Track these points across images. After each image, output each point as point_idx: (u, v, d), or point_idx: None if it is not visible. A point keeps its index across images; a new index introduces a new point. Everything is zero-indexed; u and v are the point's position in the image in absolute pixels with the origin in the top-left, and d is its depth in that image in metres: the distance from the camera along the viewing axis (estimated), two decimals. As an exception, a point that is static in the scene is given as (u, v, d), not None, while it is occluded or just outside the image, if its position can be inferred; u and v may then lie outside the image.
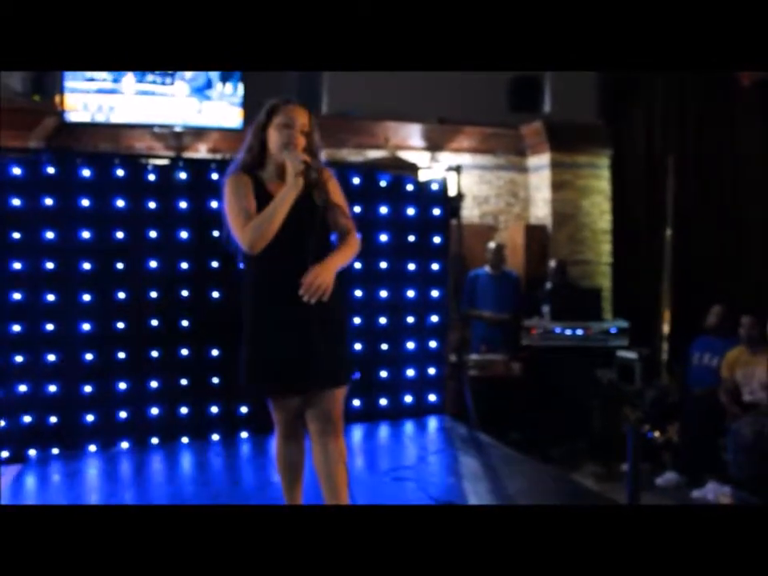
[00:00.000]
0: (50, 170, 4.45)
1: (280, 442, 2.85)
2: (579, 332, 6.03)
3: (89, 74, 6.22)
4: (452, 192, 5.39)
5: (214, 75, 6.57)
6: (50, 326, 4.44)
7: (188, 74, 6.51)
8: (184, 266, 4.70)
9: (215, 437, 4.76)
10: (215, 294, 4.75)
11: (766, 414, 4.69)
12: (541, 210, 7.67)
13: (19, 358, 4.38)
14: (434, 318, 5.25)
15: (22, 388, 4.39)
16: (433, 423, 5.14)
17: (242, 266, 2.82)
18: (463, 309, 6.24)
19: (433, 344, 5.26)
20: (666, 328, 6.70)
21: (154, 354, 4.64)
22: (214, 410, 4.78)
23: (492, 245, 6.64)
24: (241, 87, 6.64)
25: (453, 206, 5.39)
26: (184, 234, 4.69)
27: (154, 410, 4.65)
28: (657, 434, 5.45)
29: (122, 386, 4.58)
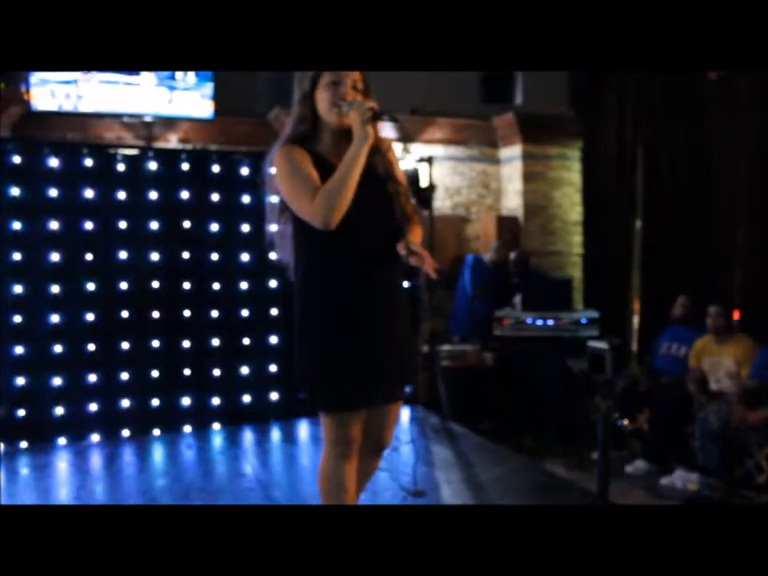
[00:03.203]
0: (16, 159, 4.39)
1: (334, 463, 2.26)
2: (550, 322, 6.07)
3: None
4: (424, 183, 5.40)
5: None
6: (17, 318, 4.38)
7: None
8: (154, 257, 4.66)
9: (187, 429, 4.74)
10: (186, 285, 4.72)
11: (731, 402, 4.77)
12: (512, 201, 7.71)
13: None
14: (407, 309, 5.26)
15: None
16: (405, 413, 5.16)
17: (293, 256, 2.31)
18: (474, 290, 6.28)
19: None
20: (635, 318, 6.78)
21: (125, 345, 4.60)
22: (186, 401, 4.75)
23: (494, 242, 6.76)
24: (196, 77, 6.54)
25: (425, 196, 5.40)
26: (154, 225, 4.65)
27: (125, 402, 4.61)
28: (626, 422, 5.52)
29: (92, 378, 4.54)
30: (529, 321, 6.07)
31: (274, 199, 2.31)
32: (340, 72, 2.23)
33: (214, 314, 4.80)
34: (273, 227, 2.34)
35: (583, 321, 6.11)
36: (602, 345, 5.93)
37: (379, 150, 2.25)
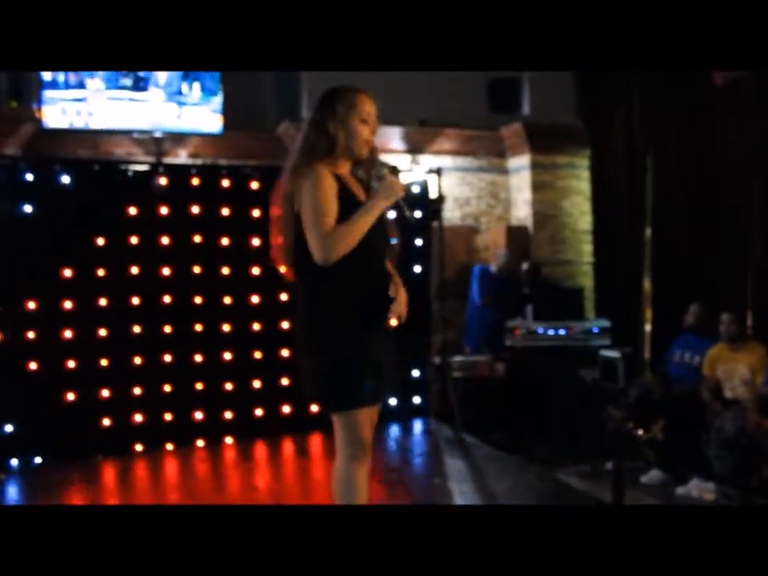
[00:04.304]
0: (29, 177, 4.42)
1: (348, 465, 2.39)
2: (562, 332, 6.05)
3: (63, 78, 6.17)
4: (433, 194, 5.41)
5: (175, 76, 6.49)
6: (31, 334, 4.40)
7: (161, 81, 6.48)
8: (166, 271, 4.68)
9: (200, 443, 4.74)
10: (197, 300, 4.74)
11: (746, 409, 4.73)
12: (522, 211, 7.70)
13: None
14: (417, 321, 5.25)
15: (4, 397, 4.34)
16: (418, 425, 5.15)
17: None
18: (481, 299, 6.30)
19: (416, 346, 5.27)
20: (647, 326, 6.74)
21: (137, 360, 4.61)
22: (198, 415, 4.75)
23: (501, 251, 6.75)
24: (202, 91, 6.58)
25: (434, 208, 5.40)
26: (165, 240, 4.68)
27: (138, 418, 4.62)
28: (641, 432, 5.48)
29: (105, 393, 4.55)
30: (540, 331, 6.05)
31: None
32: (370, 111, 2.42)
33: (226, 328, 4.80)
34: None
35: (595, 330, 6.09)
36: (614, 354, 5.90)
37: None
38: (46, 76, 6.14)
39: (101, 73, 6.30)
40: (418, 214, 5.27)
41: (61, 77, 6.16)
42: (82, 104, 6.26)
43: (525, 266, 6.72)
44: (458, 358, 5.98)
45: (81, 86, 6.24)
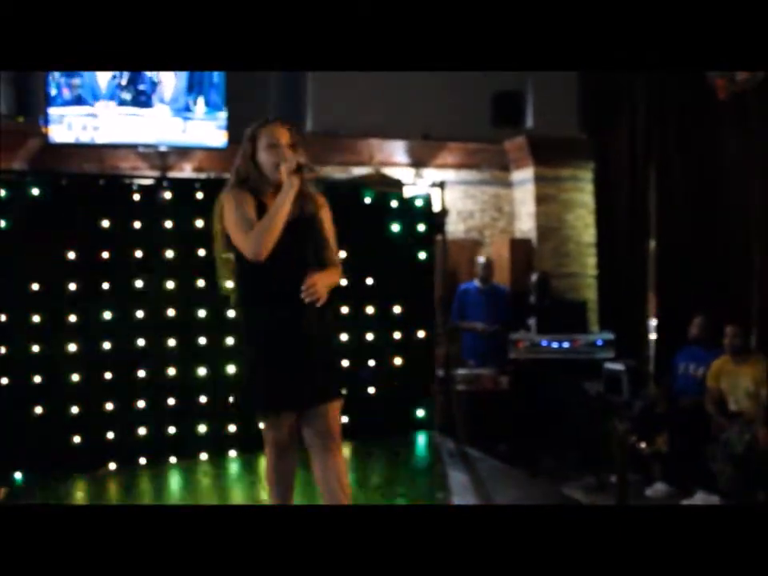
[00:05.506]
0: (35, 192, 4.45)
1: (272, 458, 2.78)
2: (566, 344, 6.05)
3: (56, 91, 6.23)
4: (436, 208, 5.43)
5: (181, 91, 6.54)
6: (35, 348, 4.42)
7: (167, 96, 6.53)
8: (170, 285, 4.70)
9: (203, 456, 4.74)
10: (201, 313, 4.75)
11: (753, 423, 4.72)
12: (525, 224, 7.72)
13: (4, 380, 4.35)
14: (421, 334, 5.26)
15: (7, 409, 4.36)
16: (421, 438, 5.14)
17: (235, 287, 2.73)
18: (453, 321, 6.30)
19: (420, 359, 5.27)
20: (651, 339, 6.73)
21: (141, 373, 4.63)
22: (202, 429, 4.76)
23: (481, 259, 6.69)
24: (207, 106, 6.63)
25: (437, 221, 5.42)
26: (169, 254, 4.70)
27: (142, 431, 4.63)
28: (645, 444, 5.46)
29: (109, 406, 4.56)
30: (544, 343, 6.04)
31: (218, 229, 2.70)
32: (275, 135, 2.61)
33: (229, 341, 4.81)
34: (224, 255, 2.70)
35: (599, 343, 6.08)
36: (618, 366, 5.89)
37: (310, 201, 2.64)
38: (53, 91, 6.20)
39: (104, 88, 6.37)
40: (421, 227, 5.28)
41: (54, 90, 6.21)
42: (87, 119, 6.32)
43: (534, 276, 6.71)
44: (461, 371, 5.98)
45: (79, 101, 6.29)
